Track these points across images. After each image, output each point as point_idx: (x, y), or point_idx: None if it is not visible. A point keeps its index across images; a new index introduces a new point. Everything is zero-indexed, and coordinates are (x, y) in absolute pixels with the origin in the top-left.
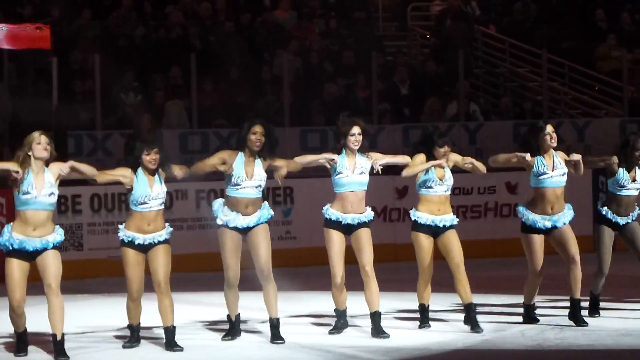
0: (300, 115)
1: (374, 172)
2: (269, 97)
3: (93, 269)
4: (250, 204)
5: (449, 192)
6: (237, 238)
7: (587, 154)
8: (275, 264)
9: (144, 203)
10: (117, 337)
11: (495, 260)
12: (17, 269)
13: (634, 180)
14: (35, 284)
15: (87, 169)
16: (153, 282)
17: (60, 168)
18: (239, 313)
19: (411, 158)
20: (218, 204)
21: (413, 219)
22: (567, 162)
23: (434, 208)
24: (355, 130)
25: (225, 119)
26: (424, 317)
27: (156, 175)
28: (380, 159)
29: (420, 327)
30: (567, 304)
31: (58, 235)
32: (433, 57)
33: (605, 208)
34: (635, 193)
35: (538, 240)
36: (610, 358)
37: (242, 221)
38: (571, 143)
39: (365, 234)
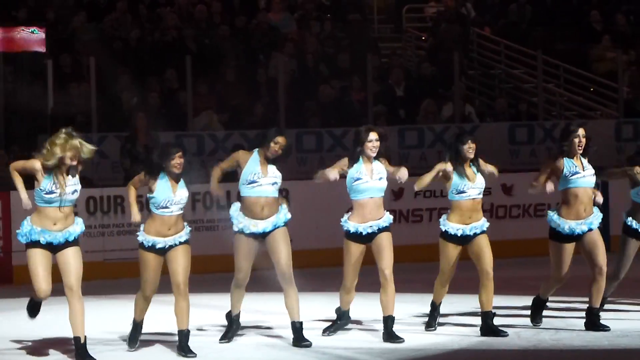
0: (296, 118)
1: (398, 182)
2: (264, 100)
3: (89, 272)
4: (267, 206)
5: (481, 196)
6: (252, 243)
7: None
8: (270, 266)
9: (166, 207)
10: (112, 340)
11: None
12: (40, 259)
13: None
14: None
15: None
16: (172, 283)
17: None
18: (240, 312)
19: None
20: (235, 208)
21: (443, 229)
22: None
23: (465, 216)
24: (373, 136)
25: (221, 122)
26: (432, 317)
27: (180, 180)
28: (403, 175)
29: (426, 329)
30: (565, 305)
31: (78, 226)
32: (428, 59)
33: (630, 218)
34: None
35: (569, 249)
36: (606, 359)
37: (257, 227)
38: None
39: (386, 238)
